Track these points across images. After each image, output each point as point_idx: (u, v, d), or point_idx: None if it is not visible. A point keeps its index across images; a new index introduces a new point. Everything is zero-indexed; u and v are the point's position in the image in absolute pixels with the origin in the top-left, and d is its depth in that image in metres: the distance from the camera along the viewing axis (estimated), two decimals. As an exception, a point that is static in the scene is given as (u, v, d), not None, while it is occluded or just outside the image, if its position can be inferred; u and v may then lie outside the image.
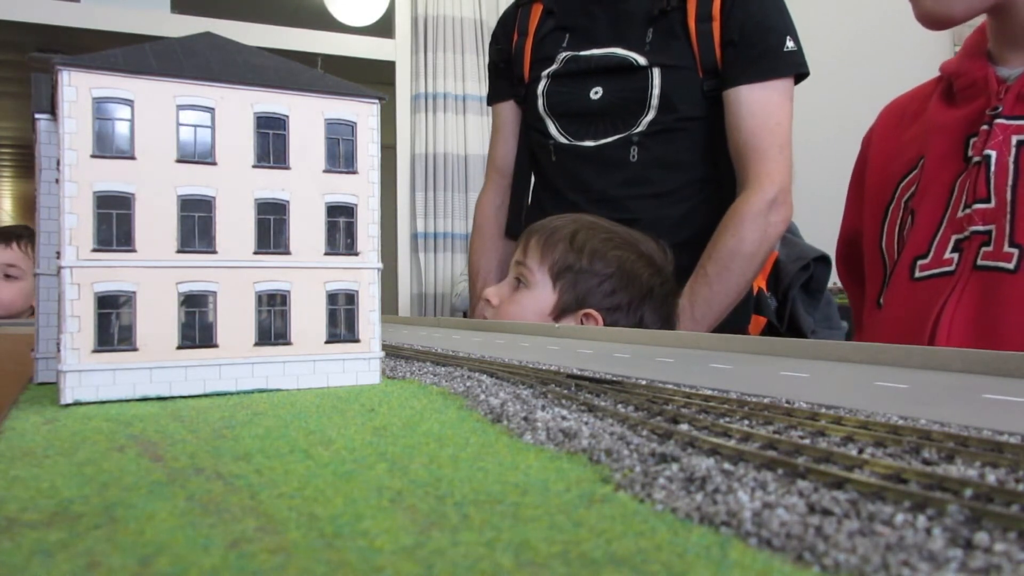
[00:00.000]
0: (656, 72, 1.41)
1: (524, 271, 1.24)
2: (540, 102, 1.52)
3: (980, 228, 0.90)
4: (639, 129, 1.42)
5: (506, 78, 1.63)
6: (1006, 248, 0.87)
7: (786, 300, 1.55)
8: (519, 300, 1.23)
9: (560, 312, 1.20)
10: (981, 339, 0.86)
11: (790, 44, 1.39)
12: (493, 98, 1.69)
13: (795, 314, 1.55)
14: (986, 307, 0.88)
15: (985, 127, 0.92)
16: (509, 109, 1.64)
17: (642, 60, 1.42)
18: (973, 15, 0.96)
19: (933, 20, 0.95)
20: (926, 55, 2.62)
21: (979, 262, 0.90)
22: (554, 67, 1.51)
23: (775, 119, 1.37)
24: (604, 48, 1.46)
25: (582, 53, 1.48)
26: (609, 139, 1.45)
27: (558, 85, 1.51)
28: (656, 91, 1.41)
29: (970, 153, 0.94)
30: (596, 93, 1.46)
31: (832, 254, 1.43)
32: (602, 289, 1.21)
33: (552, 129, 1.51)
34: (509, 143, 1.65)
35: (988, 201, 0.89)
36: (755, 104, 1.37)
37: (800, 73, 1.41)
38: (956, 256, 0.92)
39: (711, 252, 1.34)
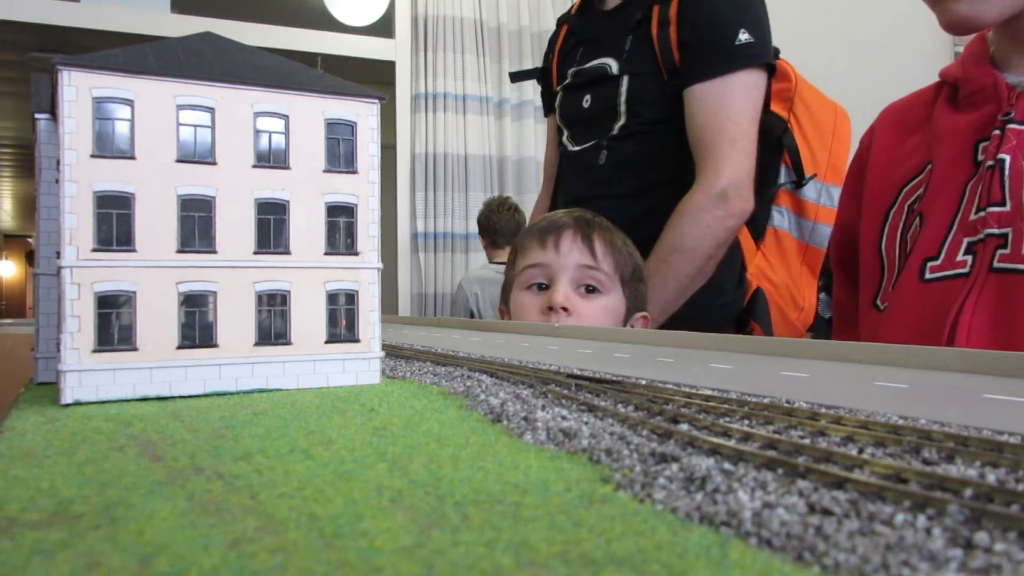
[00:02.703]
0: (625, 79, 1.47)
1: (600, 276, 1.22)
2: (558, 114, 1.65)
3: (995, 231, 0.90)
4: (612, 134, 1.50)
5: (546, 94, 1.78)
6: None
7: None
8: (601, 306, 1.22)
9: (627, 317, 1.24)
10: (1001, 341, 0.87)
11: (743, 37, 1.39)
12: (545, 112, 1.84)
13: None
14: (1005, 310, 0.88)
15: (997, 132, 0.93)
16: (552, 122, 1.77)
17: (615, 69, 1.49)
18: (1002, 19, 0.96)
19: (962, 25, 0.95)
20: (925, 56, 2.62)
21: (996, 264, 0.90)
22: (567, 81, 1.61)
23: (726, 114, 1.38)
24: (598, 60, 1.54)
25: (584, 66, 1.57)
26: (587, 144, 1.54)
27: (566, 97, 1.62)
28: (623, 97, 1.47)
29: (981, 157, 0.94)
30: (587, 102, 1.55)
31: None
32: (644, 293, 1.28)
33: (565, 137, 1.63)
34: (552, 152, 1.77)
35: (1003, 204, 0.90)
36: (706, 101, 1.39)
37: (765, 64, 1.41)
38: (970, 258, 0.92)
39: (654, 249, 1.38)
